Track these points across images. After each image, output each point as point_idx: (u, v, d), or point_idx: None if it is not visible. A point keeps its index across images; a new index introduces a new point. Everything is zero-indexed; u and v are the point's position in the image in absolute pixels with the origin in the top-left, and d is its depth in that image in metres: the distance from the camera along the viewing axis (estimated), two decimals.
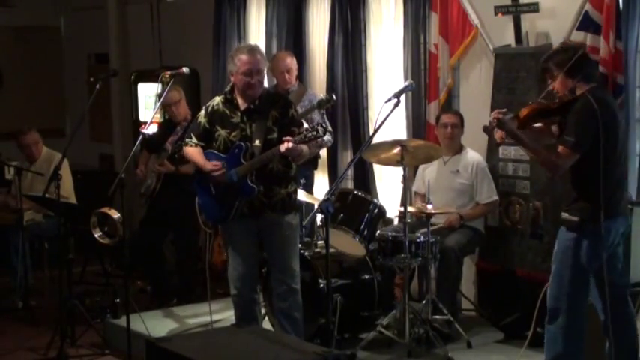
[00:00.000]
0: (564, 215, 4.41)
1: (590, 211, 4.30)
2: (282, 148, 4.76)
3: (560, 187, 5.25)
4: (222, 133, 5.01)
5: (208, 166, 4.96)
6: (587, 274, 4.39)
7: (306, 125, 4.97)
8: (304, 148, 4.86)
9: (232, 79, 5.02)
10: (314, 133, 4.74)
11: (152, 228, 6.83)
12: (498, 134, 4.60)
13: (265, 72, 5.10)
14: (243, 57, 4.94)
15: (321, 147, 6.49)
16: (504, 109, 4.56)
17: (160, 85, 6.56)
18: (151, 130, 6.21)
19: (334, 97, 6.12)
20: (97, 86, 5.73)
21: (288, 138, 4.77)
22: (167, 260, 6.98)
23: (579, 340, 4.43)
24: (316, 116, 6.29)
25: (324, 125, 4.83)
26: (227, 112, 5.03)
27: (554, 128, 4.59)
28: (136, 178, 6.78)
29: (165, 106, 6.66)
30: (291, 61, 6.51)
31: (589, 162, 4.29)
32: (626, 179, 4.53)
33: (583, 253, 4.34)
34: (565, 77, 4.40)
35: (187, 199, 6.61)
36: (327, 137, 6.42)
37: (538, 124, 4.59)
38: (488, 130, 4.65)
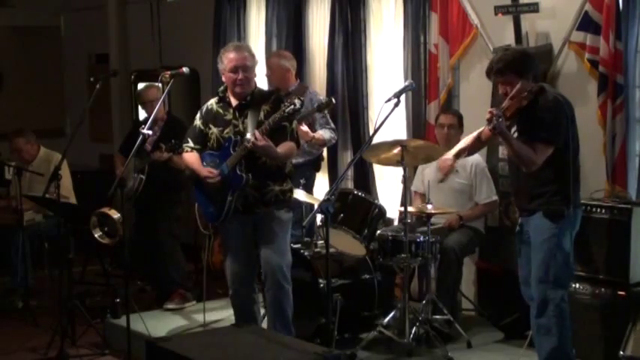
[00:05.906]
0: (547, 208, 4.50)
1: (567, 200, 4.47)
2: (250, 135, 4.80)
3: None
4: (214, 131, 5.05)
5: (204, 172, 4.99)
6: (571, 256, 4.53)
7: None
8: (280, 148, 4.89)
9: (223, 78, 5.08)
10: (291, 107, 4.77)
11: (145, 229, 6.81)
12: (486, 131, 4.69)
13: (254, 69, 5.09)
14: (230, 54, 5.00)
15: (324, 145, 6.48)
16: (496, 110, 4.51)
17: (160, 85, 6.59)
18: (151, 130, 6.20)
19: (333, 100, 6.10)
20: (97, 86, 5.73)
21: (256, 131, 4.80)
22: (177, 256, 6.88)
23: (568, 327, 4.53)
24: (318, 117, 6.28)
25: (301, 98, 4.91)
26: (220, 110, 5.09)
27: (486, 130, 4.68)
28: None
29: (146, 103, 6.66)
30: (283, 67, 6.41)
31: (561, 155, 4.45)
32: None
33: (568, 239, 4.51)
34: (525, 80, 4.50)
35: (169, 196, 6.62)
36: (331, 135, 6.42)
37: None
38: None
